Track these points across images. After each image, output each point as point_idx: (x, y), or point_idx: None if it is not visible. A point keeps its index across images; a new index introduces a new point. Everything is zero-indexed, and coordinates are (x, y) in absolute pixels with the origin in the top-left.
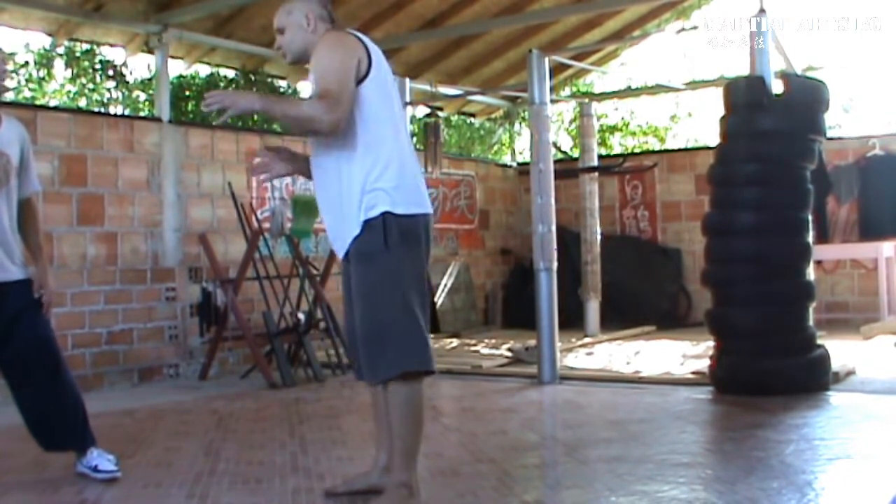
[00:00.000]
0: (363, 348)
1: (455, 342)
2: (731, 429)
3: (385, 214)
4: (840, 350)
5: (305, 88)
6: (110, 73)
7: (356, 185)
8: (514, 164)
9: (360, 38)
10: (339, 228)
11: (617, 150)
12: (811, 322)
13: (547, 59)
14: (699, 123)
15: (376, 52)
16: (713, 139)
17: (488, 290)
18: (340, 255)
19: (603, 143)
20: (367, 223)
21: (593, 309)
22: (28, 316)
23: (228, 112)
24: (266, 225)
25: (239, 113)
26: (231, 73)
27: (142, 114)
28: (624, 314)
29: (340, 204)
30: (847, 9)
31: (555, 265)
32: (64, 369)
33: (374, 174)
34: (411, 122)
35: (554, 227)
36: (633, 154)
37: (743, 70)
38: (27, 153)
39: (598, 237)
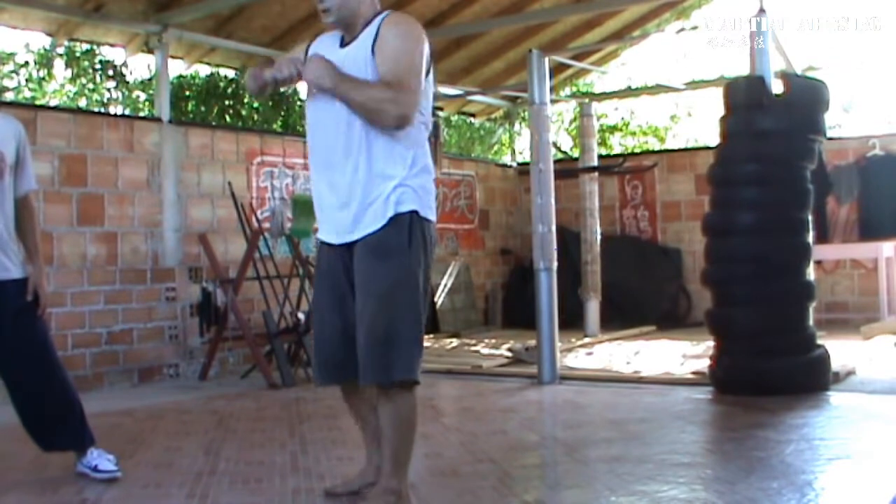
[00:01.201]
0: (371, 348)
1: (455, 342)
2: (731, 429)
3: (413, 213)
4: (840, 350)
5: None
6: (110, 73)
7: (392, 178)
8: (514, 164)
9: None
10: (349, 215)
11: (617, 150)
12: (811, 322)
13: (547, 59)
14: (699, 123)
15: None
16: (713, 139)
17: (488, 290)
18: (338, 241)
19: (603, 143)
20: (395, 218)
21: (593, 309)
22: (25, 316)
23: (316, 88)
24: (266, 225)
25: (319, 88)
26: (231, 73)
27: (142, 114)
28: (624, 314)
29: (361, 192)
30: (847, 9)
31: (555, 265)
32: (60, 369)
33: (412, 170)
34: None
35: (554, 227)
36: (633, 154)
37: (743, 70)
38: (23, 151)
39: (598, 237)
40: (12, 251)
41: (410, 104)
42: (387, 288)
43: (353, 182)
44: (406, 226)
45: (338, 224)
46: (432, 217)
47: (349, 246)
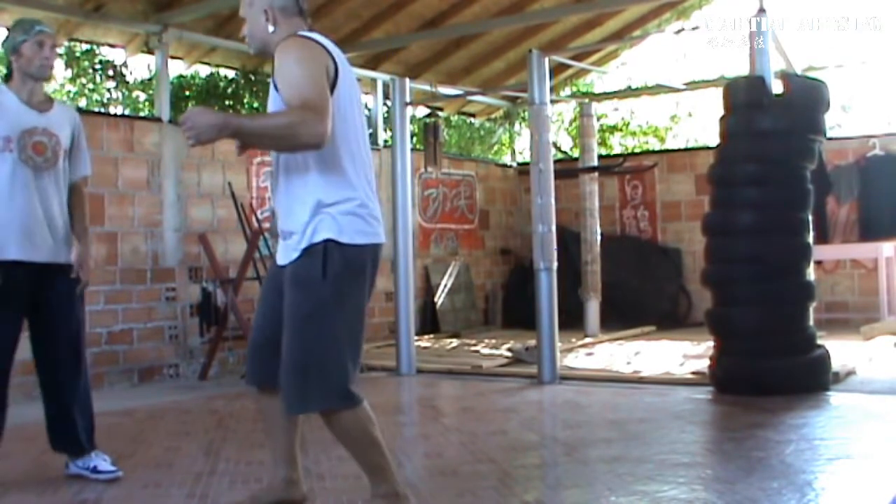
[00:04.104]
0: (285, 376)
1: (455, 342)
2: (731, 429)
3: (328, 242)
4: (840, 350)
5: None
6: (110, 73)
7: (306, 206)
8: (514, 164)
9: (324, 44)
10: (281, 239)
11: (617, 150)
12: (811, 322)
13: (547, 59)
14: (699, 123)
15: (341, 59)
16: (713, 139)
17: (488, 290)
18: (278, 261)
19: (603, 143)
20: (308, 249)
21: (593, 309)
22: (71, 307)
23: (192, 142)
24: (266, 225)
25: (206, 142)
26: (231, 73)
27: (142, 114)
28: (624, 314)
29: (285, 218)
30: (847, 9)
31: (555, 265)
32: (87, 370)
33: (327, 198)
34: (411, 122)
35: (554, 227)
36: (633, 154)
37: (743, 70)
38: (78, 137)
39: (598, 237)
40: (66, 236)
41: (323, 121)
42: (300, 320)
43: (281, 207)
44: (320, 256)
45: (279, 246)
46: (362, 240)
47: (284, 268)
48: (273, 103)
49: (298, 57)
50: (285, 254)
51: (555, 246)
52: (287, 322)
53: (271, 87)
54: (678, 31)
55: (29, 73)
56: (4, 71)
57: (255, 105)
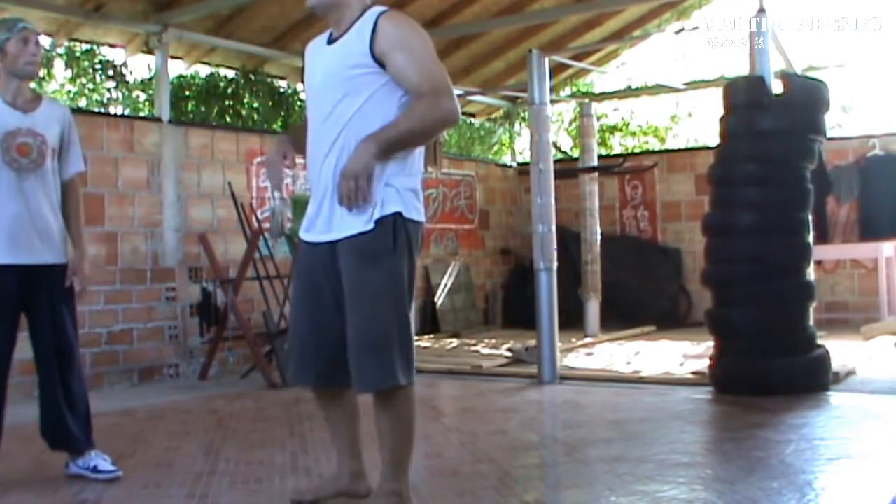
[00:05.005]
0: (363, 355)
1: (455, 342)
2: (731, 429)
3: (397, 215)
4: (840, 350)
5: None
6: (110, 73)
7: (377, 178)
8: (514, 164)
9: None
10: (326, 214)
11: (617, 150)
12: (811, 322)
13: (547, 59)
14: (699, 123)
15: None
16: (713, 139)
17: (488, 290)
18: (315, 239)
19: (603, 143)
20: (380, 221)
21: (593, 309)
22: (59, 307)
23: (363, 186)
24: (266, 225)
25: (370, 175)
26: (231, 73)
27: (142, 114)
28: (624, 314)
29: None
30: (847, 9)
31: (555, 265)
32: (80, 368)
33: (396, 171)
34: None
35: (554, 227)
36: (633, 154)
37: (743, 70)
38: (68, 134)
39: (598, 237)
40: (59, 236)
41: (454, 99)
42: (374, 294)
43: (333, 180)
44: (390, 228)
45: (316, 222)
46: (416, 217)
47: (330, 245)
48: (344, 57)
49: (422, 36)
50: (328, 228)
51: (555, 246)
52: (359, 297)
53: (347, 42)
54: (678, 31)
55: (15, 71)
56: None
57: (256, 105)
